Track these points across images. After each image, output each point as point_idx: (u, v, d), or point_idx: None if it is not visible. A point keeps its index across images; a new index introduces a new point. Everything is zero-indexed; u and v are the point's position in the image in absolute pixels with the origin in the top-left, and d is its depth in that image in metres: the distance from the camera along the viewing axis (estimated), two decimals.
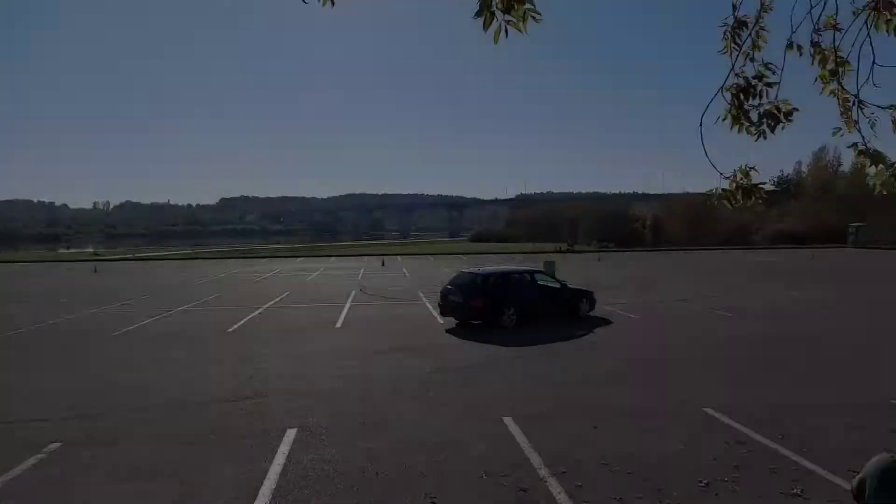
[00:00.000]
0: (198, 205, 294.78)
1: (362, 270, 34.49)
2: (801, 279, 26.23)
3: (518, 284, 15.53)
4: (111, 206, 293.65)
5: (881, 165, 3.29)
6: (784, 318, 15.67)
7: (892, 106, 3.26)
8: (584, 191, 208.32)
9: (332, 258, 47.90)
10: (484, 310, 14.19)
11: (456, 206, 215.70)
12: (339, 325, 15.29)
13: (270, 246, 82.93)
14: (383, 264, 38.61)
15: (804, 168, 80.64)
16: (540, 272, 17.24)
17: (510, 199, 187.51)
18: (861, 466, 2.61)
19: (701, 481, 5.59)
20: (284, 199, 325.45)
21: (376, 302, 19.91)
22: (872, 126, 3.31)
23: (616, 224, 70.33)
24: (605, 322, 15.10)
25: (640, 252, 53.66)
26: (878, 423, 7.16)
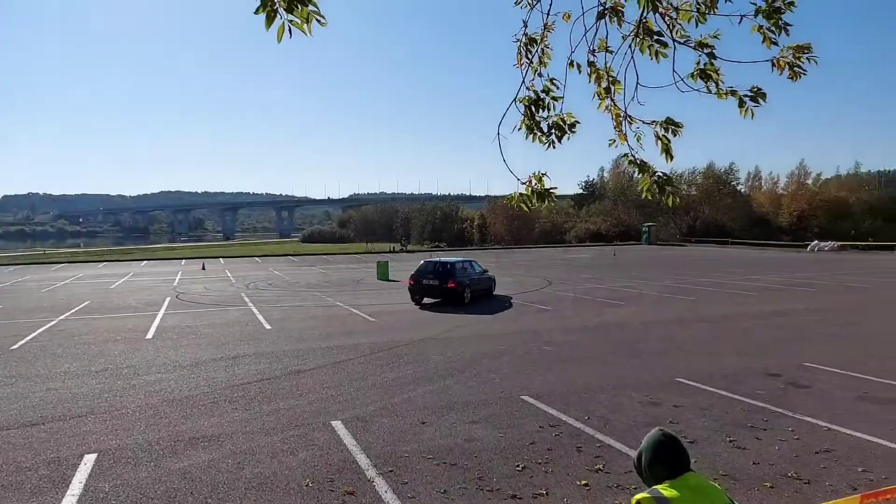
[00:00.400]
0: None
1: (179, 275, 31.84)
2: (607, 272, 29.42)
3: (468, 271, 19.58)
4: None
5: (646, 174, 3.80)
6: (591, 308, 17.45)
7: (654, 122, 3.78)
8: (415, 192, 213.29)
9: (144, 263, 43.58)
10: (455, 290, 18.23)
11: (285, 205, 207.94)
12: (150, 335, 13.95)
13: (68, 250, 73.18)
14: (204, 268, 36.03)
15: (606, 174, 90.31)
16: (474, 261, 21.04)
17: (343, 199, 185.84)
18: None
19: (518, 465, 6.00)
20: (84, 196, 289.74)
21: (195, 309, 18.51)
22: (638, 139, 3.81)
23: (446, 224, 73.02)
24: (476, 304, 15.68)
25: (468, 251, 56.20)
26: (666, 399, 8.25)
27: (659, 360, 10.68)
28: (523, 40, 3.80)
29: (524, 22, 3.78)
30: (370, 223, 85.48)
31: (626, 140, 3.83)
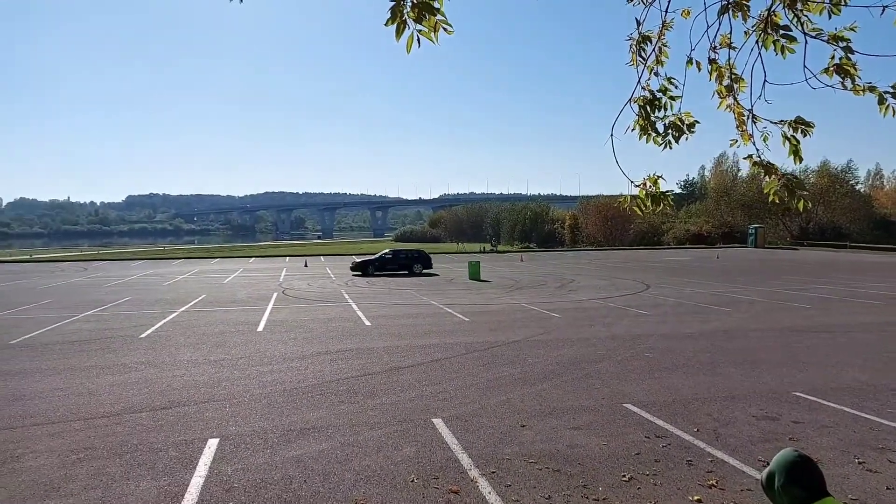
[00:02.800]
0: (103, 202, 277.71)
1: (284, 272, 33.65)
2: (710, 276, 27.98)
3: (413, 253, 33.46)
4: (4, 204, 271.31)
5: (773, 176, 3.60)
6: (694, 314, 16.68)
7: (781, 121, 3.56)
8: (505, 192, 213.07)
9: (252, 259, 46.38)
10: (405, 265, 31.90)
11: (379, 205, 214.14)
12: (260, 328, 14.87)
13: (185, 246, 79.25)
14: (306, 265, 37.83)
15: (707, 173, 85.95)
16: (419, 250, 35.02)
17: (433, 200, 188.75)
18: (770, 458, 2.82)
19: (624, 476, 5.83)
20: (198, 196, 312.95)
21: (300, 304, 19.50)
22: (765, 139, 3.61)
23: (536, 225, 72.29)
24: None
25: (560, 252, 55.40)
26: (783, 414, 7.72)
27: (773, 372, 10.02)
28: (637, 39, 3.72)
29: (637, 20, 3.70)
30: (460, 223, 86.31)
31: (752, 140, 3.66)
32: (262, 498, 5.44)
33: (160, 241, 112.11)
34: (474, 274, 28.38)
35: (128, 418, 7.84)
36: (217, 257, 49.64)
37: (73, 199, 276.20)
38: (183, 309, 18.47)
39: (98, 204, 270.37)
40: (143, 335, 14.03)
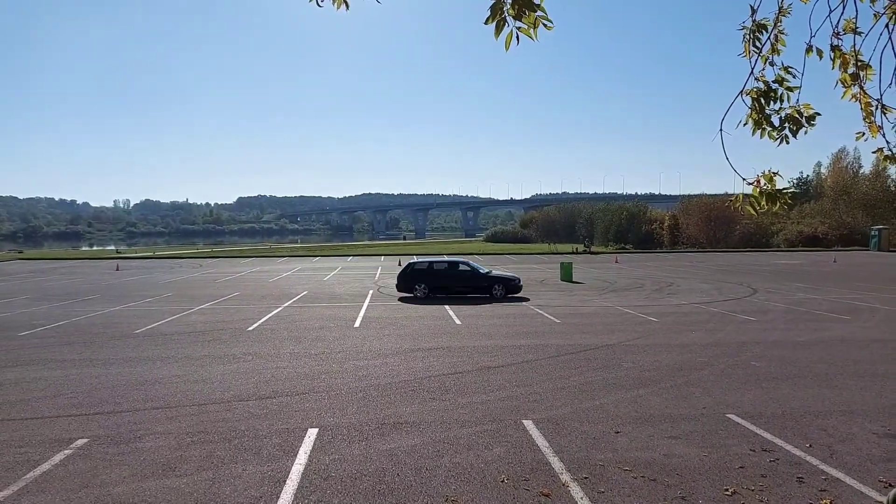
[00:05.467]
0: (216, 203, 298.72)
1: (379, 270, 34.64)
2: (826, 281, 25.84)
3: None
4: (131, 205, 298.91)
5: None
6: (807, 321, 15.47)
7: None
8: (599, 191, 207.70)
9: (350, 258, 48.15)
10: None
11: (471, 206, 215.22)
12: (357, 324, 15.39)
13: (289, 245, 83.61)
14: (400, 264, 38.69)
15: (823, 170, 79.56)
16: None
17: (525, 200, 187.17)
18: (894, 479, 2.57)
19: (727, 489, 5.52)
20: (301, 198, 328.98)
21: (394, 302, 20.00)
22: None
23: (632, 225, 69.74)
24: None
25: (658, 253, 53.22)
26: None
27: (894, 385, 9.10)
28: (751, 27, 3.50)
29: (752, 7, 3.49)
30: (552, 223, 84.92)
31: (882, 132, 3.36)
32: (358, 488, 5.63)
33: (267, 240, 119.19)
34: (567, 275, 27.88)
35: (236, 405, 8.37)
36: (318, 255, 51.96)
37: (190, 201, 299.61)
38: (286, 304, 19.48)
39: (212, 205, 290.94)
40: (250, 328, 14.94)
